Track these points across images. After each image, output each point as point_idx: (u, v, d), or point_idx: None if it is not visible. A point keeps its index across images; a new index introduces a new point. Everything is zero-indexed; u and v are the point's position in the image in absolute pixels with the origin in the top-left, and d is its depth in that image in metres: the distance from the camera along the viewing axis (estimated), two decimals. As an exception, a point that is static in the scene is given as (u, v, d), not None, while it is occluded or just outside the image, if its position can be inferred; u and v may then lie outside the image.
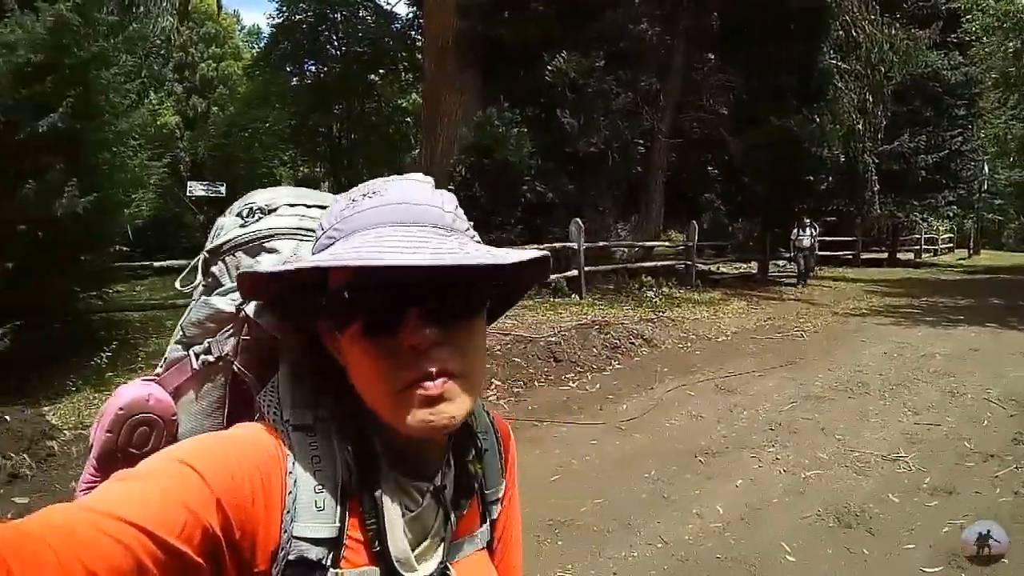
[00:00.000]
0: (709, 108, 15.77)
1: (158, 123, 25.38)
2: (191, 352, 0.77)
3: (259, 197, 0.87)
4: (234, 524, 0.56)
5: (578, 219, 12.01)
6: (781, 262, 18.33)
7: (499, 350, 7.10)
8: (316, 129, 21.87)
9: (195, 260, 0.86)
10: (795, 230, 15.94)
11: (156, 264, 9.64)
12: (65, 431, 4.50)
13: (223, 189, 22.17)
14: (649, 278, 13.74)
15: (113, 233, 7.23)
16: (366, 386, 0.65)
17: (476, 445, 0.77)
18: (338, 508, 0.63)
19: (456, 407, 0.63)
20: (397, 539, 0.64)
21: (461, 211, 0.69)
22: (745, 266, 18.86)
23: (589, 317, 9.56)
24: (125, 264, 9.41)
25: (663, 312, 10.85)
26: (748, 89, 14.70)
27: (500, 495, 0.81)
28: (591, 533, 3.63)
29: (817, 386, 6.70)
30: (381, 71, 21.38)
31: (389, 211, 0.63)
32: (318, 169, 27.02)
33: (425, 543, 0.68)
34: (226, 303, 0.77)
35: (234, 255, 0.82)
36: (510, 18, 12.29)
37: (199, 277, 0.85)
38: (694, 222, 15.41)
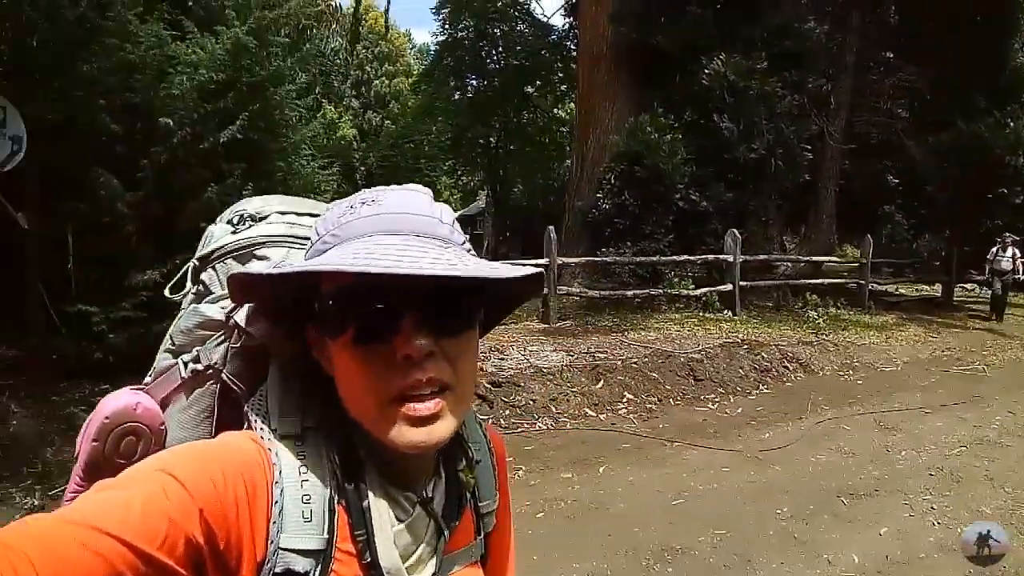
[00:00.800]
0: (886, 110, 14.33)
1: (337, 135, 27.89)
2: (180, 361, 0.77)
3: (250, 205, 0.87)
4: (218, 535, 0.55)
5: (735, 230, 11.34)
6: (970, 285, 15.78)
7: (635, 363, 6.86)
8: (475, 140, 22.75)
9: (185, 267, 0.86)
10: (994, 248, 13.48)
11: None
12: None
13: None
14: (815, 296, 12.61)
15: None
16: (353, 395, 0.63)
17: (467, 455, 0.75)
18: (326, 519, 0.61)
19: (446, 426, 0.63)
20: (387, 550, 0.63)
21: (458, 224, 0.69)
22: (927, 288, 16.64)
23: (740, 335, 8.99)
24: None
25: (826, 335, 9.92)
26: (930, 89, 13.10)
27: (494, 508, 0.79)
28: (705, 565, 3.38)
29: (993, 430, 5.81)
30: (538, 82, 21.78)
31: (387, 220, 0.63)
32: (476, 178, 28.11)
33: (416, 554, 0.66)
34: (216, 311, 0.77)
35: (224, 262, 0.82)
36: (666, 24, 11.97)
37: (188, 285, 0.85)
38: (869, 236, 13.88)
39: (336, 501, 0.63)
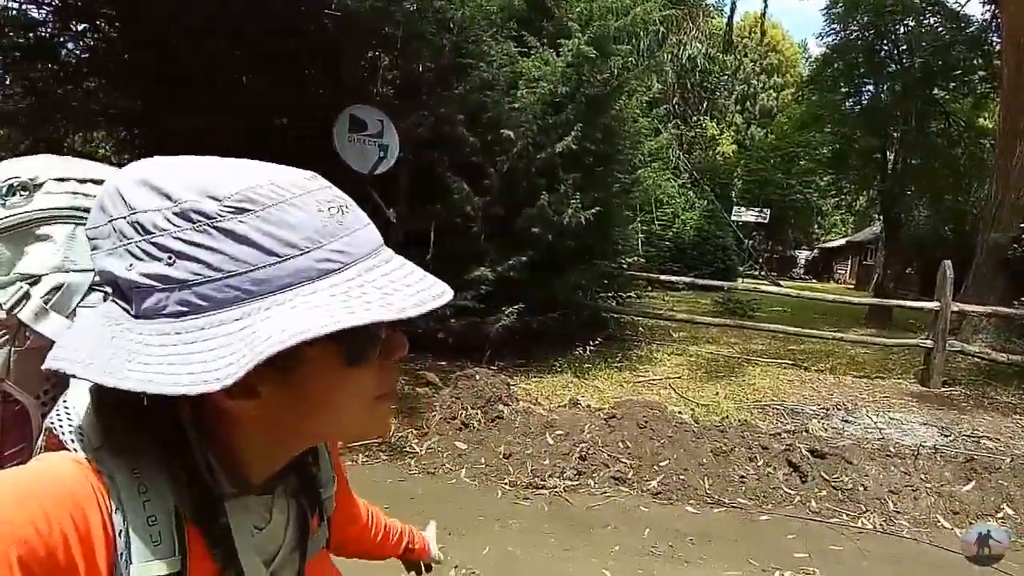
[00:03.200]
0: None
1: (715, 152, 27.59)
2: None
3: (20, 169, 0.68)
4: None
5: None
6: None
7: None
8: (865, 153, 19.93)
9: None
10: None
11: (685, 280, 10.35)
12: (520, 402, 5.24)
13: (767, 214, 22.68)
14: None
15: (614, 242, 8.06)
16: (334, 414, 0.58)
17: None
18: (175, 537, 0.54)
19: None
20: (250, 562, 0.59)
21: None
22: None
23: None
24: (645, 275, 10.51)
25: None
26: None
27: (333, 492, 0.76)
28: None
29: None
30: (951, 84, 17.97)
31: (366, 237, 0.56)
32: (863, 197, 24.69)
33: (279, 558, 0.64)
34: None
35: None
36: None
37: None
38: None
39: (183, 516, 0.55)
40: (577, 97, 6.53)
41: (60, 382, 0.61)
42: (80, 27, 6.34)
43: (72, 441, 0.54)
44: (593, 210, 6.78)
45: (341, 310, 0.49)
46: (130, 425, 0.55)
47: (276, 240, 0.49)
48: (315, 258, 0.51)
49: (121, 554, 0.52)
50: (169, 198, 0.49)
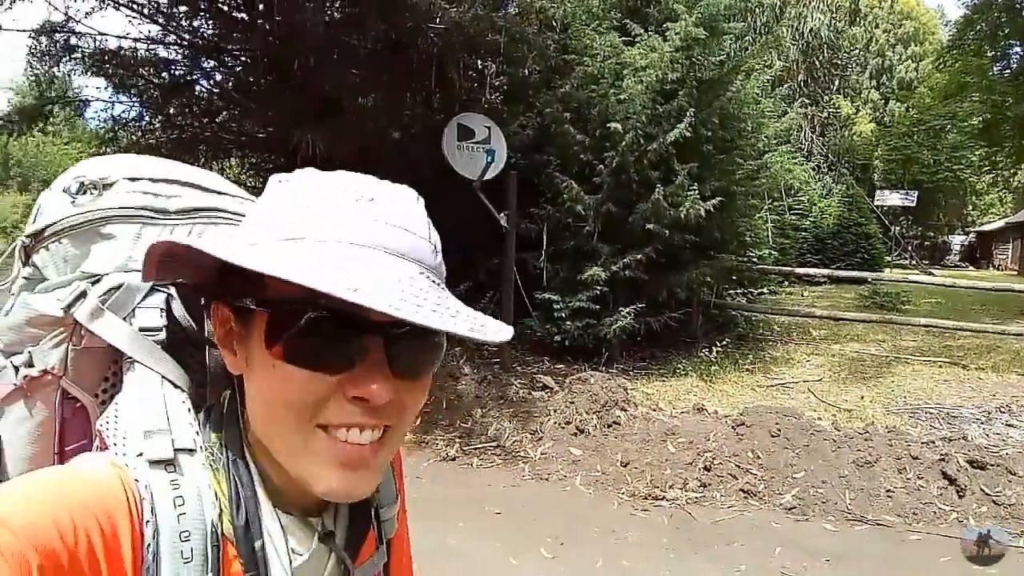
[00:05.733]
0: None
1: (851, 132, 25.49)
2: (10, 363, 0.63)
3: (92, 169, 0.69)
4: None
5: None
6: None
7: None
8: (1020, 122, 17.49)
9: (12, 245, 0.70)
10: None
11: (824, 272, 9.59)
12: (638, 407, 5.01)
13: (914, 197, 20.59)
14: None
15: (741, 234, 7.60)
16: (268, 406, 0.54)
17: None
18: (209, 556, 0.52)
19: (374, 478, 0.56)
20: None
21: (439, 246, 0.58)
22: None
23: None
24: (779, 269, 9.87)
25: None
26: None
27: (395, 512, 0.73)
28: None
29: None
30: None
31: (386, 233, 0.52)
32: (1021, 172, 21.73)
33: None
34: (49, 303, 0.62)
35: (60, 242, 0.66)
36: None
37: (16, 267, 0.69)
38: None
39: (220, 534, 0.54)
40: (689, 82, 6.19)
41: (118, 381, 0.61)
42: (209, 64, 6.90)
43: (115, 445, 0.54)
44: (714, 201, 6.40)
45: (274, 257, 0.48)
46: (171, 411, 0.57)
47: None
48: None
49: (148, 568, 0.50)
50: None
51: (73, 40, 6.29)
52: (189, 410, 0.58)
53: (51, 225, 0.66)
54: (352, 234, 0.51)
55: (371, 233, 0.51)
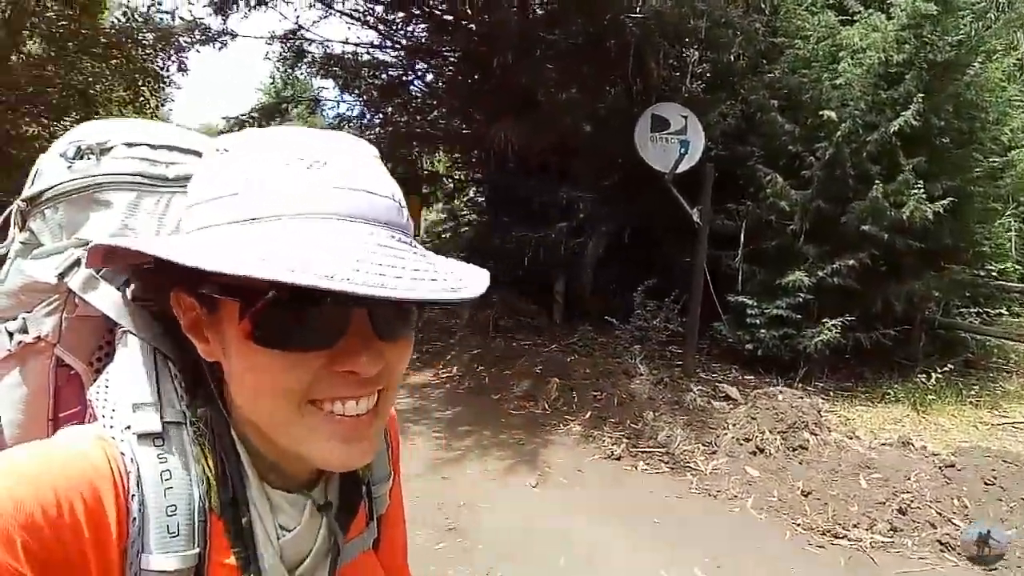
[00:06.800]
0: None
1: None
2: (4, 328, 0.63)
3: (89, 133, 0.66)
4: (50, 569, 0.45)
5: None
6: None
7: None
8: None
9: (8, 209, 0.68)
10: None
11: None
12: (831, 432, 4.45)
13: None
14: None
15: (977, 243, 6.48)
16: (256, 394, 0.53)
17: None
18: (196, 529, 0.53)
19: (372, 446, 0.55)
20: (272, 566, 0.56)
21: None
22: None
23: None
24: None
25: None
26: None
27: (387, 489, 0.72)
28: None
29: None
30: None
31: (344, 198, 0.49)
32: None
33: (306, 563, 0.59)
34: (45, 270, 0.61)
35: (56, 207, 0.64)
36: None
37: (13, 232, 0.68)
38: None
39: (207, 509, 0.53)
40: (917, 64, 5.32)
41: (112, 350, 0.60)
42: (421, 66, 7.42)
43: (103, 417, 0.54)
44: (944, 202, 5.44)
45: (209, 249, 0.46)
46: (160, 384, 0.56)
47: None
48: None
49: (133, 542, 0.50)
50: None
51: (304, 46, 7.14)
52: (180, 383, 0.57)
53: (47, 190, 0.64)
54: (310, 206, 0.48)
55: (331, 202, 0.48)
